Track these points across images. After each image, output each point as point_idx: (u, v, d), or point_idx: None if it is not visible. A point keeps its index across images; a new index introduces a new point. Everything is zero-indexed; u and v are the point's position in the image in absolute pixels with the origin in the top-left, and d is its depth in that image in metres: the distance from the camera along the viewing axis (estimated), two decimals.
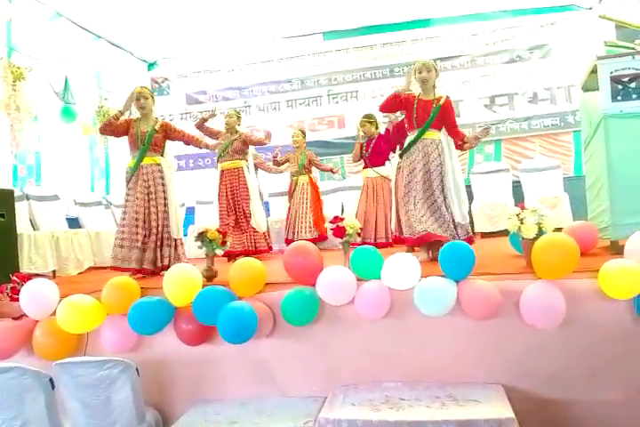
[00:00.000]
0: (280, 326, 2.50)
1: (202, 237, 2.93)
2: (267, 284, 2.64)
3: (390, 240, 4.88)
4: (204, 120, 4.60)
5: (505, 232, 2.97)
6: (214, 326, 2.35)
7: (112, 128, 3.62)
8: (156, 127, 3.62)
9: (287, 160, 5.68)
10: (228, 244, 3.36)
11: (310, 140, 6.18)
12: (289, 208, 5.59)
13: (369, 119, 4.99)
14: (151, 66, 7.76)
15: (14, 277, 2.80)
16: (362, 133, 5.04)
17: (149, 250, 3.48)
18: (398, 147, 4.25)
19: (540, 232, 2.46)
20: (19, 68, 5.23)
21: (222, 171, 4.78)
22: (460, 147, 3.52)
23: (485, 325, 2.32)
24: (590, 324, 2.25)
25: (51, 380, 2.20)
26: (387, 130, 4.83)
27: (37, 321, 2.65)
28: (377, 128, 5.03)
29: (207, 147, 4.01)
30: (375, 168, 5.07)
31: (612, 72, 2.84)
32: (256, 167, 5.48)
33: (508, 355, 2.32)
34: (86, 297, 2.59)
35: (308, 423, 2.14)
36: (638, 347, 2.22)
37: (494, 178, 6.16)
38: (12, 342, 2.58)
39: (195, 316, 2.41)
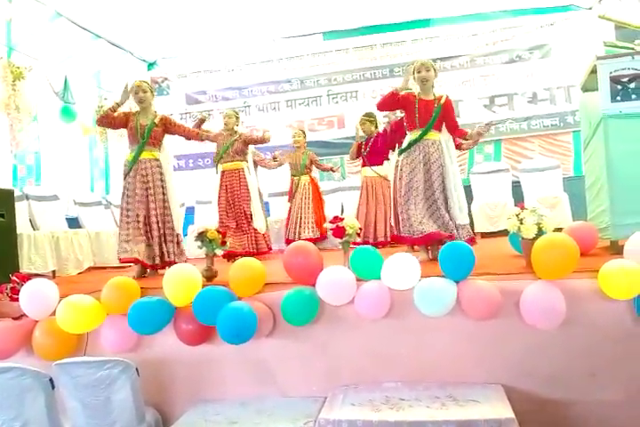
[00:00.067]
0: (280, 326, 2.50)
1: (202, 237, 2.93)
2: (266, 284, 2.64)
3: (389, 239, 4.87)
4: (198, 126, 4.54)
5: (505, 232, 2.96)
6: (214, 326, 2.35)
7: (109, 120, 3.60)
8: (156, 121, 3.61)
9: (288, 159, 5.68)
10: (228, 244, 3.36)
11: (310, 141, 6.17)
12: (290, 208, 5.59)
13: (369, 118, 4.99)
14: (151, 66, 7.75)
15: (14, 277, 2.79)
16: (361, 133, 5.04)
17: (155, 245, 3.50)
18: (397, 145, 4.24)
19: (540, 232, 2.46)
20: (18, 67, 5.23)
21: (223, 172, 4.79)
22: (459, 147, 3.52)
23: (485, 325, 2.32)
24: (590, 324, 2.25)
25: (51, 380, 2.20)
26: (384, 129, 4.83)
27: (37, 321, 2.65)
28: (376, 127, 5.03)
29: (208, 138, 3.97)
30: (373, 167, 5.06)
31: (611, 72, 2.83)
32: (255, 165, 5.47)
33: (508, 355, 2.32)
34: (86, 297, 2.59)
35: (308, 424, 2.14)
36: (638, 347, 2.22)
37: (494, 178, 6.17)
38: (12, 342, 2.58)
39: (194, 316, 2.41)
